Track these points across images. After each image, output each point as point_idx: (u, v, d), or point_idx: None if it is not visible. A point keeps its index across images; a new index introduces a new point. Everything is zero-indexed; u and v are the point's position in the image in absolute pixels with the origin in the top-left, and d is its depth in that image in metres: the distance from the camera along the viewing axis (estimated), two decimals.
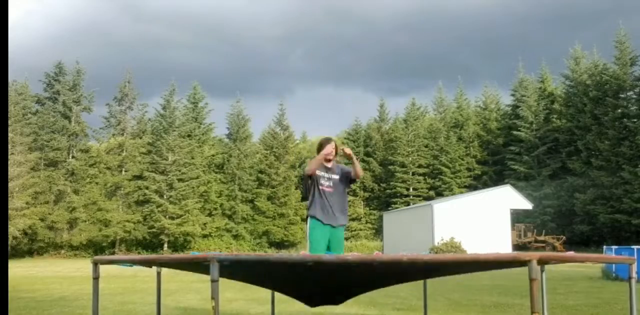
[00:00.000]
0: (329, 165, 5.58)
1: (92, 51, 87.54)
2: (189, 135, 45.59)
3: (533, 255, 3.06)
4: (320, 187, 5.45)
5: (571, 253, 3.80)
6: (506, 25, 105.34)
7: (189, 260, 3.39)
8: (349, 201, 51.98)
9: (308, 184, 5.54)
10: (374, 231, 49.60)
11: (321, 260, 3.01)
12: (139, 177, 42.35)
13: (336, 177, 5.55)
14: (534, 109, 45.74)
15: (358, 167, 5.52)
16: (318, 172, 5.50)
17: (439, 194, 48.09)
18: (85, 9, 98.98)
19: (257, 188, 46.42)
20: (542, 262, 3.68)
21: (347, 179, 5.61)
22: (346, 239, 49.30)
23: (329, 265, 3.08)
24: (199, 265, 3.48)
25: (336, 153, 5.57)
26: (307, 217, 5.51)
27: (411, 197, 49.12)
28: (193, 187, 42.59)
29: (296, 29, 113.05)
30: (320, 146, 5.65)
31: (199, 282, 13.01)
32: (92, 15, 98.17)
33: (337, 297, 4.64)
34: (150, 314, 7.62)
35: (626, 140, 37.47)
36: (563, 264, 17.34)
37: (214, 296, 2.78)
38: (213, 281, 2.80)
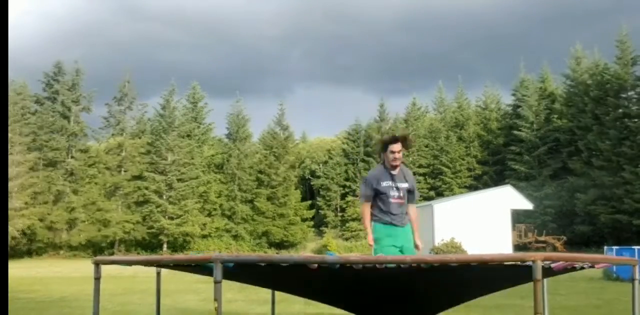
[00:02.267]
0: (395, 171, 4.82)
1: (91, 51, 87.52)
2: (188, 135, 45.52)
3: (537, 256, 3.01)
4: (391, 200, 4.76)
5: (581, 254, 3.75)
6: (507, 25, 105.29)
7: (191, 261, 3.33)
8: (349, 201, 52.00)
9: (365, 191, 4.85)
10: None
11: (324, 261, 2.96)
12: (139, 177, 42.28)
13: (405, 185, 4.84)
14: (535, 109, 45.69)
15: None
16: (384, 184, 4.75)
17: (440, 194, 48.03)
18: (84, 8, 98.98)
19: (256, 188, 46.35)
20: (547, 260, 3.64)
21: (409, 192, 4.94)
22: (346, 239, 49.29)
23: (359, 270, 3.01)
24: (201, 267, 3.42)
25: (407, 148, 4.80)
26: (371, 221, 4.88)
27: None
28: (192, 188, 42.53)
29: (296, 28, 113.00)
30: (384, 145, 4.80)
31: (199, 283, 12.96)
32: (91, 15, 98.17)
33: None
34: (149, 314, 7.57)
35: (627, 140, 37.41)
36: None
37: (217, 297, 2.73)
38: (216, 282, 2.75)
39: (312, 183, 57.54)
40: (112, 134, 44.42)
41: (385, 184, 4.74)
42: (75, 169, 40.69)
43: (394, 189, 4.75)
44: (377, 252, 4.70)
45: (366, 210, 4.84)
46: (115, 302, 9.08)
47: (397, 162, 4.74)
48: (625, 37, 39.39)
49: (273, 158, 47.64)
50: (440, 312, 4.73)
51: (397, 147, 4.69)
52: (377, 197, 4.79)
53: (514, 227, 37.55)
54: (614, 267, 13.68)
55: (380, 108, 56.49)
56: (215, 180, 45.52)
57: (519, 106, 47.74)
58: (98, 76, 78.38)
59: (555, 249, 35.25)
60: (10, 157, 33.54)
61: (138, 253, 40.25)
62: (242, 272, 3.35)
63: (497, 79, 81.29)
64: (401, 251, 4.75)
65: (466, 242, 32.97)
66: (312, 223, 48.91)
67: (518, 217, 39.30)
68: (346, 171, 52.79)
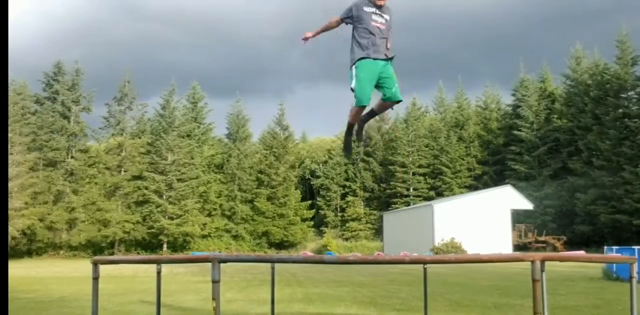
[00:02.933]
0: (381, 2, 4.52)
1: (91, 51, 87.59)
2: (188, 135, 45.54)
3: (536, 256, 3.02)
4: (373, 23, 4.47)
5: (581, 252, 3.75)
6: (507, 25, 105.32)
7: (190, 261, 3.34)
8: (349, 201, 52.02)
9: (347, 14, 4.53)
10: (374, 231, 49.56)
11: (323, 260, 2.97)
12: (139, 177, 42.29)
13: (387, 16, 4.57)
14: (535, 109, 45.70)
15: None
16: (366, 9, 4.48)
17: (439, 194, 48.05)
18: (84, 8, 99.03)
19: (256, 188, 46.37)
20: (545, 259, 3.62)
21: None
22: (346, 239, 49.30)
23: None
24: None
25: None
26: (352, 65, 4.54)
27: (411, 197, 49.08)
28: (192, 187, 42.54)
29: (296, 28, 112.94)
30: None
31: (199, 283, 12.98)
32: (91, 15, 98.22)
33: None
34: (149, 314, 7.58)
35: (627, 140, 37.43)
36: (563, 265, 17.30)
37: (215, 297, 2.74)
38: (214, 282, 2.76)
39: (312, 183, 57.57)
40: (112, 134, 44.42)
41: (368, 9, 4.51)
42: (75, 169, 40.69)
43: (377, 15, 4.53)
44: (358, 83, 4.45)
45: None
46: (114, 302, 9.08)
47: (382, 2, 4.53)
48: (625, 37, 39.41)
49: (273, 158, 47.66)
50: None
51: None
52: (357, 29, 4.54)
53: (514, 227, 37.58)
54: (614, 267, 13.68)
55: None
56: (215, 180, 45.54)
57: (519, 106, 47.75)
58: (98, 76, 78.49)
59: (555, 249, 35.29)
60: (10, 157, 33.55)
61: (138, 253, 40.25)
62: None
63: (497, 79, 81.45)
64: (381, 79, 4.54)
65: (466, 242, 33.03)
66: (312, 223, 48.94)
67: (518, 217, 39.33)
68: (346, 171, 52.81)
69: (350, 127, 4.90)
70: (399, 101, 4.66)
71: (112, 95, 44.68)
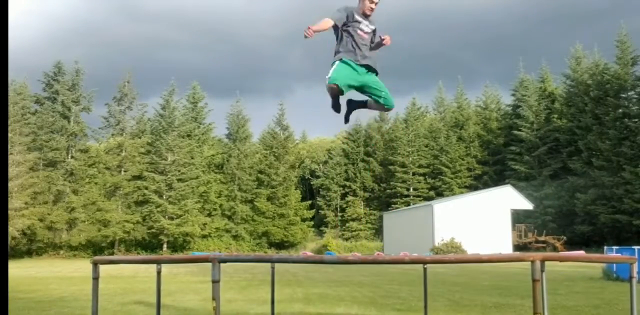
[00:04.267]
0: (370, 12, 4.74)
1: (91, 51, 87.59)
2: (188, 135, 45.53)
3: (536, 256, 3.02)
4: (359, 32, 4.65)
5: (581, 252, 3.76)
6: (506, 25, 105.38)
7: (190, 261, 3.34)
8: (349, 201, 52.01)
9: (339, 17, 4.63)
10: (374, 231, 49.57)
11: (323, 260, 2.97)
12: (139, 177, 42.28)
13: (373, 27, 4.76)
14: (535, 109, 45.71)
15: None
16: (357, 17, 4.68)
17: (439, 194, 48.05)
18: (84, 8, 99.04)
19: (256, 188, 46.36)
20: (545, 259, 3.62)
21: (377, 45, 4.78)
22: (346, 239, 49.29)
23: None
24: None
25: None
26: (332, 63, 4.67)
27: (411, 197, 49.09)
28: (192, 187, 42.53)
29: (295, 28, 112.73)
30: None
31: (199, 283, 12.98)
32: (91, 15, 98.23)
33: None
34: (149, 314, 7.58)
35: (627, 140, 37.43)
36: (563, 264, 17.31)
37: (215, 297, 2.74)
38: (214, 282, 2.76)
39: (312, 183, 57.57)
40: (112, 134, 44.39)
41: (358, 17, 4.67)
42: (75, 169, 40.68)
43: (365, 25, 4.69)
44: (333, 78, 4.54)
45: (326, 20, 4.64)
46: (115, 302, 9.08)
47: (371, 13, 4.75)
48: (625, 37, 39.43)
49: (273, 158, 47.66)
50: None
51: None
52: (344, 35, 4.67)
53: (514, 227, 37.58)
54: (614, 267, 13.68)
55: None
56: (215, 180, 45.53)
57: (519, 106, 47.75)
58: (98, 76, 78.49)
59: (555, 249, 35.30)
60: (10, 157, 33.55)
61: (138, 253, 40.24)
62: None
63: (497, 79, 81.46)
64: (368, 87, 4.68)
65: (466, 242, 33.02)
66: (312, 223, 48.93)
67: (518, 217, 39.34)
68: (346, 171, 52.80)
69: (333, 96, 4.86)
70: (390, 108, 4.86)
71: (112, 95, 44.70)
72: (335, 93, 4.71)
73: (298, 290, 10.95)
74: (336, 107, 5.05)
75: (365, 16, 4.74)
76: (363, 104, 5.08)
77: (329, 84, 4.58)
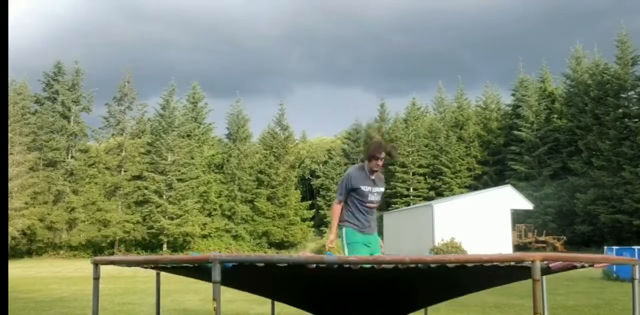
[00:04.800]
0: (374, 176, 4.82)
1: (91, 51, 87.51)
2: (188, 135, 45.52)
3: (536, 256, 3.01)
4: (367, 204, 4.78)
5: (580, 254, 3.76)
6: (506, 25, 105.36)
7: (190, 261, 3.32)
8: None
9: (346, 190, 4.82)
10: None
11: (323, 261, 2.96)
12: (139, 177, 42.27)
13: (382, 189, 4.90)
14: (535, 109, 45.69)
15: None
16: (364, 188, 4.74)
17: (439, 194, 48.03)
18: (84, 8, 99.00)
19: (256, 188, 46.34)
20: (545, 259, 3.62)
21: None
22: None
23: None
24: (199, 271, 3.41)
25: (392, 158, 4.85)
26: (339, 224, 4.89)
27: (411, 197, 49.07)
28: (192, 188, 42.52)
29: (295, 28, 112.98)
30: (370, 151, 4.79)
31: (199, 283, 12.91)
32: (91, 15, 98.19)
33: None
34: (149, 314, 7.58)
35: (627, 140, 37.42)
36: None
37: (216, 297, 2.73)
38: (215, 282, 2.75)
39: (312, 183, 57.54)
40: (112, 134, 44.39)
41: (365, 188, 4.75)
42: (75, 169, 40.67)
43: (374, 194, 4.79)
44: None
45: (339, 209, 4.87)
46: (115, 302, 9.08)
47: (378, 169, 4.82)
48: (625, 37, 39.41)
49: (273, 158, 47.64)
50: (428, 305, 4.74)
51: (383, 155, 4.76)
52: (352, 199, 4.80)
53: (514, 227, 37.54)
54: (614, 267, 13.68)
55: (380, 108, 56.63)
56: (215, 180, 45.51)
57: (519, 106, 47.74)
58: (98, 76, 78.50)
59: (555, 249, 35.26)
60: (10, 157, 33.54)
61: (138, 253, 40.21)
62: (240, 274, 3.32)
63: (497, 79, 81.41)
64: None
65: (466, 242, 32.98)
66: (312, 223, 48.91)
67: (518, 217, 39.30)
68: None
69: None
70: None
71: (112, 95, 44.71)
72: None
73: None
74: None
75: (373, 172, 4.80)
76: None
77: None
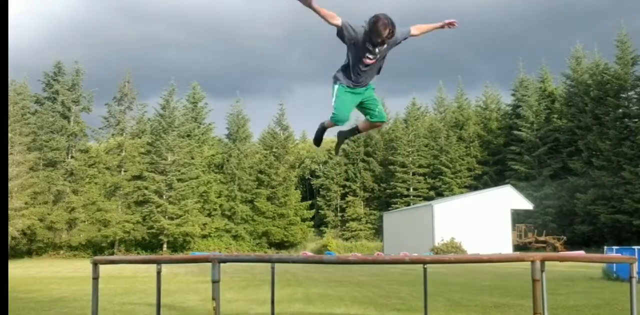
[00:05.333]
0: (379, 40, 4.35)
1: (91, 51, 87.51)
2: (188, 135, 45.53)
3: (536, 256, 3.02)
4: (365, 60, 4.42)
5: (581, 252, 3.76)
6: (506, 25, 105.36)
7: (190, 261, 3.33)
8: (349, 201, 51.94)
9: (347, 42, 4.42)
10: (374, 231, 49.55)
11: (323, 260, 2.97)
12: (139, 177, 42.26)
13: (384, 47, 4.46)
14: (535, 109, 45.70)
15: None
16: (363, 44, 4.38)
17: (439, 194, 48.05)
18: (84, 8, 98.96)
19: (256, 188, 46.35)
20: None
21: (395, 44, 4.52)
22: (346, 239, 49.28)
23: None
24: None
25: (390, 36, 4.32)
26: (333, 77, 4.59)
27: (411, 197, 49.08)
28: (192, 187, 42.52)
29: (295, 28, 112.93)
30: (374, 27, 4.25)
31: (199, 283, 12.98)
32: (90, 15, 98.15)
33: None
34: (149, 314, 7.58)
35: (627, 140, 37.44)
36: (563, 264, 17.30)
37: (215, 297, 2.74)
38: (214, 282, 2.76)
39: (312, 183, 57.55)
40: (112, 134, 44.38)
41: (365, 45, 4.37)
42: (75, 169, 40.67)
43: (372, 53, 4.42)
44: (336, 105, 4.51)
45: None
46: (115, 302, 9.08)
47: (380, 40, 4.38)
48: (625, 37, 39.43)
49: (273, 158, 47.64)
50: None
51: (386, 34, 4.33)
52: (351, 50, 4.45)
53: (514, 227, 37.57)
54: (614, 267, 13.67)
55: None
56: (215, 180, 45.52)
57: (519, 106, 47.76)
58: (98, 76, 78.49)
59: (555, 249, 35.29)
60: (10, 157, 33.54)
61: (138, 253, 40.20)
62: None
63: (497, 79, 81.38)
64: (363, 103, 4.61)
65: (466, 242, 33.01)
66: (312, 223, 48.92)
67: (518, 217, 39.33)
68: (346, 171, 52.79)
69: (323, 128, 4.91)
70: (383, 122, 4.80)
71: (112, 95, 44.69)
72: (330, 127, 4.73)
73: (298, 290, 10.95)
74: (318, 141, 5.06)
75: (375, 44, 4.40)
76: (354, 132, 5.07)
77: (331, 121, 4.57)
